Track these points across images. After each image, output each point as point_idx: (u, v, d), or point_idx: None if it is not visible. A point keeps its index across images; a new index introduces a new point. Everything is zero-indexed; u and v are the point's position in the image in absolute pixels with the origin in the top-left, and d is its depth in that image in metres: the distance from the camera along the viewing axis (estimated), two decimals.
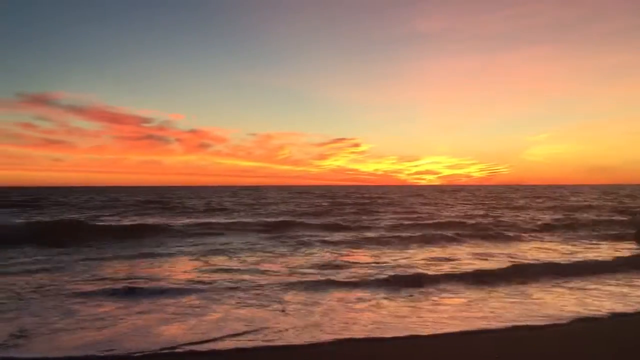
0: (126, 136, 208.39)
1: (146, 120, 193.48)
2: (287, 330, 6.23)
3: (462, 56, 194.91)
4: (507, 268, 10.74)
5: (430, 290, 8.80)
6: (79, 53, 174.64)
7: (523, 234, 18.68)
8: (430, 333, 6.13)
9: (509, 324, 6.56)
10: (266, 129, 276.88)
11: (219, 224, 21.57)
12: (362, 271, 10.52)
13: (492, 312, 7.21)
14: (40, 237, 15.39)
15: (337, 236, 17.70)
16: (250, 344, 5.64)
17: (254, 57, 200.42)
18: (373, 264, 11.53)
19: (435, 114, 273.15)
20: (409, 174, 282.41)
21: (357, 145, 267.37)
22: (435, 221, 23.37)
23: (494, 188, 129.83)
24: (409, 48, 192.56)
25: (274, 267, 11.09)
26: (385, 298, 8.14)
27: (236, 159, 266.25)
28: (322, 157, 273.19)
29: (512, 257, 12.67)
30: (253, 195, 67.54)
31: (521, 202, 44.67)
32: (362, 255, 13.19)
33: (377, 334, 6.06)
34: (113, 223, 21.91)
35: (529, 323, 6.63)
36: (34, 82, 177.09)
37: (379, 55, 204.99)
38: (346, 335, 6.01)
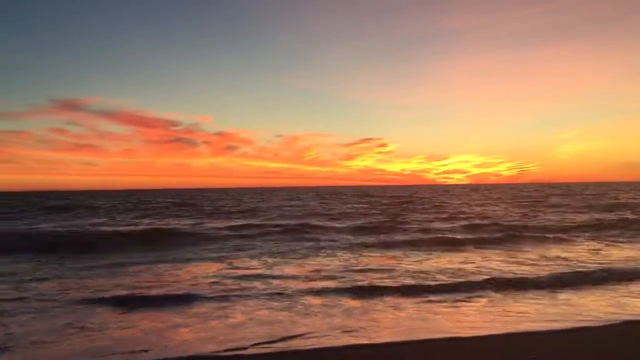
0: (155, 139, 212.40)
1: (174, 123, 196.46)
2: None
3: (491, 53, 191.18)
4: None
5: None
6: (108, 58, 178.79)
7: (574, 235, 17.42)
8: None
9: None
10: (293, 130, 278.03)
11: (254, 225, 20.93)
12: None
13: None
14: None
15: (397, 238, 17.07)
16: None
17: (280, 58, 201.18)
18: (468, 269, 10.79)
19: (462, 113, 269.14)
20: (436, 174, 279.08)
21: (384, 145, 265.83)
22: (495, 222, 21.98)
23: (524, 186, 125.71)
24: (436, 46, 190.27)
25: (305, 272, 10.51)
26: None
27: (263, 161, 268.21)
28: (349, 157, 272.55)
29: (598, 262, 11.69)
30: (286, 196, 67.17)
31: (565, 201, 42.26)
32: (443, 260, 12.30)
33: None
34: (144, 227, 21.47)
35: None
36: (65, 88, 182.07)
37: (406, 54, 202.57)
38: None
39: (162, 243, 15.81)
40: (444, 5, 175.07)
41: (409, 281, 9.22)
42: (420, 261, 12.00)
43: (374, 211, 32.09)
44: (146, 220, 26.20)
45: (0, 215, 31.41)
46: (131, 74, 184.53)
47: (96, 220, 25.55)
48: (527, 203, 40.02)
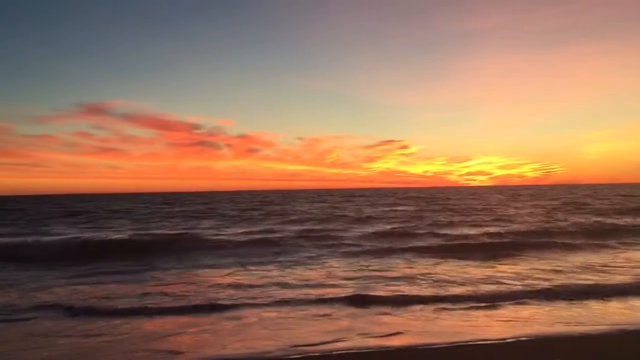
0: (178, 143, 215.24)
1: (196, 126, 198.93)
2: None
3: (514, 53, 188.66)
4: None
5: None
6: (131, 62, 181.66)
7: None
8: None
9: None
10: (313, 133, 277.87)
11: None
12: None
13: None
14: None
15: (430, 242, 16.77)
16: None
17: (300, 60, 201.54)
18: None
19: (486, 113, 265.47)
20: (459, 175, 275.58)
21: (405, 147, 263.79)
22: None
23: (552, 188, 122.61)
24: (459, 47, 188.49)
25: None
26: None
27: (284, 163, 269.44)
28: (371, 159, 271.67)
29: None
30: (337, 199, 66.71)
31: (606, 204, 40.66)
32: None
33: None
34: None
35: None
36: (90, 92, 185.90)
37: (428, 55, 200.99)
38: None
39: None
40: (466, 6, 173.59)
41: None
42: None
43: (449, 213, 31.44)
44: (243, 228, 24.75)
45: (32, 219, 31.83)
46: (154, 77, 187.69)
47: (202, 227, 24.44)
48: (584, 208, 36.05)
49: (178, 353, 5.67)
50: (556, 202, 43.19)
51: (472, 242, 16.59)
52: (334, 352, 5.60)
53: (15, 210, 46.57)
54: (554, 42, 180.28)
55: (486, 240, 16.96)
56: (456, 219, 26.75)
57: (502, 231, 19.45)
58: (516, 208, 36.40)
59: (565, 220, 24.43)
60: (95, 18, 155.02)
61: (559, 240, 16.32)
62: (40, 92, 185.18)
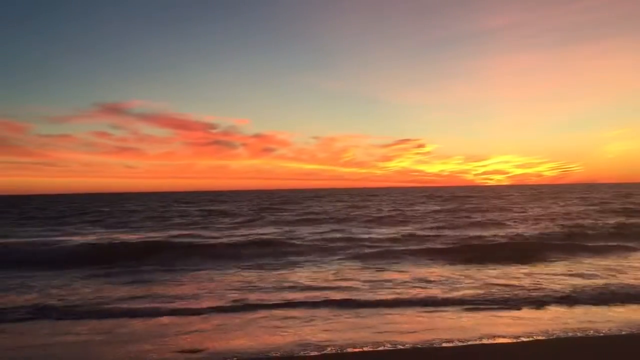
0: (194, 142, 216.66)
1: (212, 126, 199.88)
2: None
3: (531, 51, 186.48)
4: None
5: None
6: (148, 62, 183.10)
7: None
8: None
9: None
10: (329, 132, 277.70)
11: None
12: None
13: None
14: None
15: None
16: None
17: (315, 60, 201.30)
18: None
19: (503, 112, 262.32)
20: (476, 174, 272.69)
21: (422, 146, 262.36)
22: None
23: (569, 187, 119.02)
24: (475, 45, 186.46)
25: None
26: None
27: (300, 162, 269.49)
28: (387, 158, 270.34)
29: None
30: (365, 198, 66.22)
31: None
32: None
33: None
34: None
35: None
36: (107, 92, 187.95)
37: (443, 53, 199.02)
38: None
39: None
40: (481, 4, 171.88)
41: None
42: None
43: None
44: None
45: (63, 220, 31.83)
46: (170, 77, 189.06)
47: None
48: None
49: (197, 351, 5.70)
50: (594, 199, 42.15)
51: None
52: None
53: (38, 209, 46.94)
54: (572, 40, 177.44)
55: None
56: (505, 220, 25.86)
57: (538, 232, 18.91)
58: (550, 207, 35.64)
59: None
60: (114, 18, 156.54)
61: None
62: (59, 92, 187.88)
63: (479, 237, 17.93)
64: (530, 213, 30.03)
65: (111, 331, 6.62)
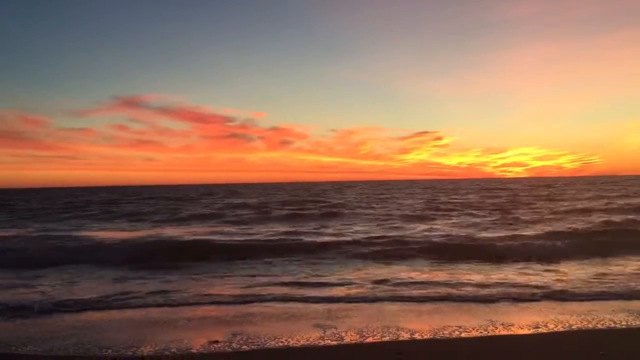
0: (212, 135, 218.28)
1: (229, 119, 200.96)
2: None
3: (554, 41, 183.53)
4: None
5: None
6: (166, 56, 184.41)
7: None
8: None
9: None
10: (347, 124, 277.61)
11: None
12: None
13: None
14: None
15: None
16: None
17: (332, 52, 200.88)
18: None
19: (523, 103, 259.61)
20: (494, 167, 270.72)
21: (439, 138, 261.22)
22: None
23: (592, 180, 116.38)
24: (495, 35, 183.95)
25: None
26: None
27: (317, 155, 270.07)
28: (404, 151, 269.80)
29: None
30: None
31: None
32: None
33: None
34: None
35: None
36: (126, 85, 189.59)
37: (463, 43, 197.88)
38: None
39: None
40: None
41: None
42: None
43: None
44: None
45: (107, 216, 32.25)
46: (188, 70, 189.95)
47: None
48: None
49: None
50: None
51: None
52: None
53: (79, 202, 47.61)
54: (595, 30, 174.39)
55: None
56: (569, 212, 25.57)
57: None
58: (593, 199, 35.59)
59: None
60: (133, 12, 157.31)
61: None
62: (78, 86, 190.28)
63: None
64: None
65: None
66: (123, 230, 22.23)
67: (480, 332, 6.20)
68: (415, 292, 8.66)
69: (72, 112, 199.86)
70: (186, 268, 11.87)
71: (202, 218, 28.07)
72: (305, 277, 10.47)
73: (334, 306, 7.76)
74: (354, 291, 8.90)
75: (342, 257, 13.23)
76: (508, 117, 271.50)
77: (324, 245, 14.98)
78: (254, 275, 10.78)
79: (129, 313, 7.61)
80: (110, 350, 5.60)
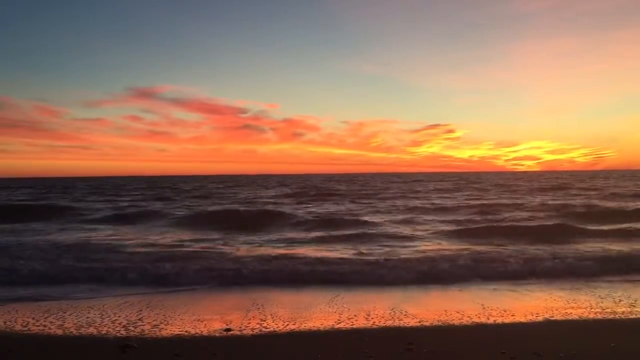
0: (224, 126, 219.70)
1: (242, 110, 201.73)
2: None
3: (567, 35, 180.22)
4: None
5: None
6: (180, 48, 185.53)
7: None
8: None
9: None
10: (358, 117, 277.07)
11: None
12: None
13: None
14: None
15: None
16: None
17: (345, 44, 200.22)
18: None
19: (535, 97, 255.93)
20: (506, 160, 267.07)
21: (451, 131, 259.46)
22: None
23: (607, 174, 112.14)
24: (508, 28, 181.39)
25: None
26: None
27: (329, 147, 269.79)
28: (416, 144, 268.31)
29: None
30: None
31: None
32: None
33: None
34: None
35: None
36: (140, 77, 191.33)
37: (476, 37, 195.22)
38: None
39: None
40: None
41: None
42: None
43: None
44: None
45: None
46: (201, 62, 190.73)
47: None
48: None
49: None
50: None
51: None
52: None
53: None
54: (609, 24, 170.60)
55: None
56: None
57: None
58: None
59: None
60: (148, 3, 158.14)
61: None
62: (93, 77, 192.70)
63: None
64: None
65: None
66: None
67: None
68: None
69: (87, 103, 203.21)
70: None
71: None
72: None
73: None
74: None
75: None
76: (520, 111, 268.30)
77: None
78: None
79: None
80: None
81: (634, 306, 7.12)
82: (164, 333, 5.88)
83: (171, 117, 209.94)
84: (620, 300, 7.47)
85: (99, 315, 6.68)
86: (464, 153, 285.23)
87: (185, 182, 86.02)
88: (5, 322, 6.34)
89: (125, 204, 31.29)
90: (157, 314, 6.79)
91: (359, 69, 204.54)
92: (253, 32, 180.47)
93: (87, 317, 6.57)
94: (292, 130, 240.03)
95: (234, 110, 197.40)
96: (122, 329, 6.04)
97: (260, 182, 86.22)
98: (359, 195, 39.10)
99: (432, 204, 28.31)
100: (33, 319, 6.48)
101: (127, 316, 6.63)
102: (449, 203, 28.67)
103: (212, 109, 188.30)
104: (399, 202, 29.97)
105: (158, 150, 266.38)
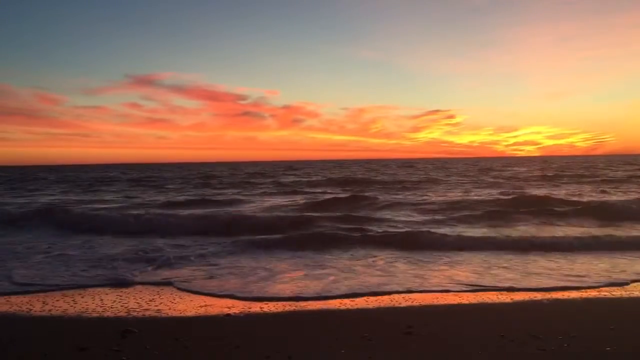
0: (224, 113, 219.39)
1: (242, 97, 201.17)
2: None
3: (571, 19, 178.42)
4: None
5: None
6: (180, 35, 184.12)
7: None
8: None
9: None
10: (358, 103, 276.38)
11: None
12: None
13: None
14: None
15: None
16: None
17: (345, 30, 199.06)
18: None
19: (535, 82, 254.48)
20: (506, 145, 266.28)
21: (451, 116, 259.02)
22: None
23: (610, 159, 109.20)
24: (509, 13, 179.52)
25: None
26: None
27: (329, 134, 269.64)
28: (416, 129, 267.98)
29: None
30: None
31: None
32: None
33: None
34: None
35: None
36: (140, 64, 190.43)
37: (476, 21, 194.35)
38: None
39: None
40: None
41: None
42: None
43: None
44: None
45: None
46: (200, 49, 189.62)
47: None
48: None
49: None
50: None
51: None
52: None
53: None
54: (610, 8, 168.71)
55: None
56: None
57: None
58: None
59: None
60: None
61: None
62: (92, 64, 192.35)
63: None
64: None
65: None
66: None
67: None
68: None
69: (87, 91, 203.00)
70: None
71: None
72: None
73: None
74: None
75: None
76: (521, 96, 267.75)
77: None
78: None
79: None
80: None
81: (634, 288, 7.20)
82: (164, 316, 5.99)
83: (171, 104, 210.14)
84: (619, 282, 7.54)
85: (99, 301, 6.79)
86: (464, 138, 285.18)
87: (218, 170, 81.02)
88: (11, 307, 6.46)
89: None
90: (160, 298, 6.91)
91: (359, 55, 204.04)
92: (253, 19, 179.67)
93: (86, 304, 6.67)
94: (292, 116, 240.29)
95: (234, 97, 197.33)
96: (125, 313, 6.15)
97: (298, 167, 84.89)
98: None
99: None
100: (40, 303, 6.61)
101: (126, 303, 6.74)
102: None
103: (211, 96, 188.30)
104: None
105: (158, 137, 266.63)
